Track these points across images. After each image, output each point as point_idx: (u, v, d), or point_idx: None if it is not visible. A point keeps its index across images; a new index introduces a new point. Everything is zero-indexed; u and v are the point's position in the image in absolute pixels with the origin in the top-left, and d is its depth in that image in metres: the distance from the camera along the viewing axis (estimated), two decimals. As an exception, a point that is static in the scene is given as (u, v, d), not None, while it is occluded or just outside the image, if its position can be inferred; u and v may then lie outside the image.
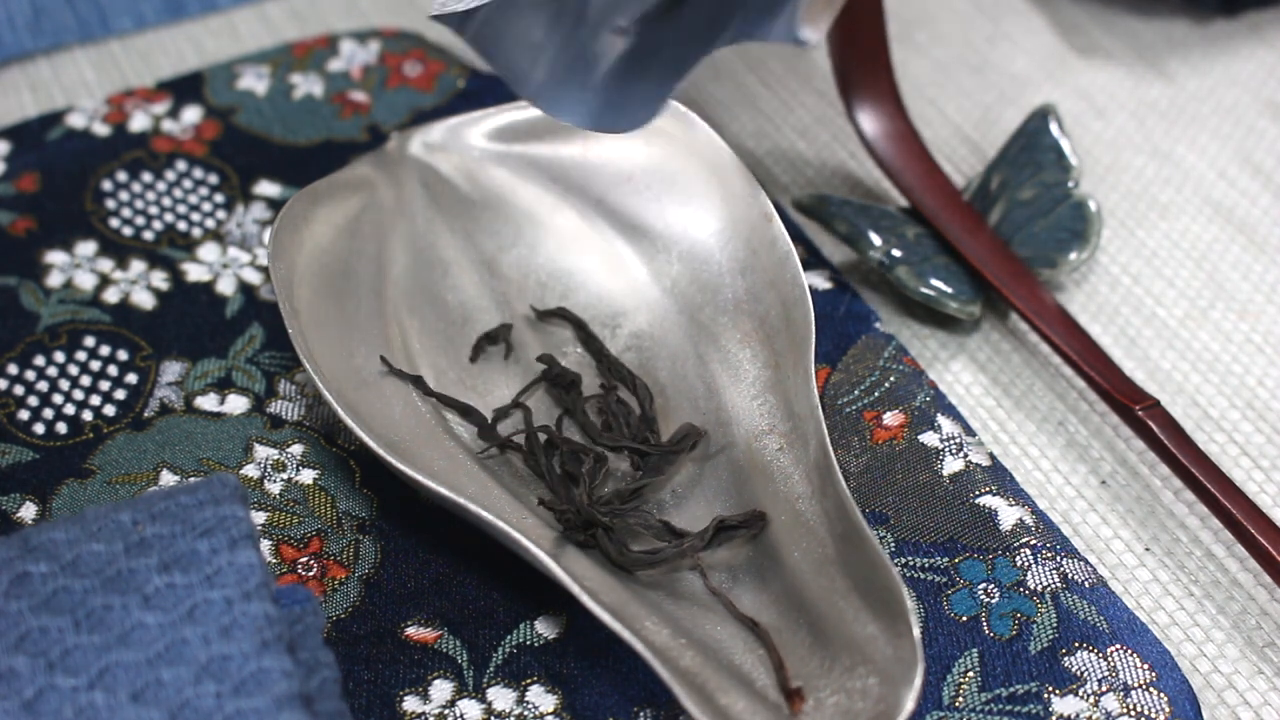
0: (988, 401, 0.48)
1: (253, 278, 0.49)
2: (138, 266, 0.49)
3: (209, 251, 0.50)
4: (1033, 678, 0.40)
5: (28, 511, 0.43)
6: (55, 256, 0.49)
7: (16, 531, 0.36)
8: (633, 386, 0.45)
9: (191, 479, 0.44)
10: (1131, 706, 0.39)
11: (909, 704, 0.36)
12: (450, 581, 0.42)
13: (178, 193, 0.52)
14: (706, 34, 0.39)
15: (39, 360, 0.47)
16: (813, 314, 0.43)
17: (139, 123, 0.53)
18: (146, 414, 0.45)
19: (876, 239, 0.49)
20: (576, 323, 0.46)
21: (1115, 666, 0.40)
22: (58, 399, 0.46)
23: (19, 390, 0.46)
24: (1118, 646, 0.40)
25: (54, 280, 0.49)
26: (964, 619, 0.41)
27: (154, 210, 0.51)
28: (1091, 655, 0.40)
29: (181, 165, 0.52)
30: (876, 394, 0.46)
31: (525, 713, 0.39)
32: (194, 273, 0.49)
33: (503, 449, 0.44)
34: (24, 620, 0.33)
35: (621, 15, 0.38)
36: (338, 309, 0.45)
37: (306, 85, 0.55)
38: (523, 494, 0.43)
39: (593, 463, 0.43)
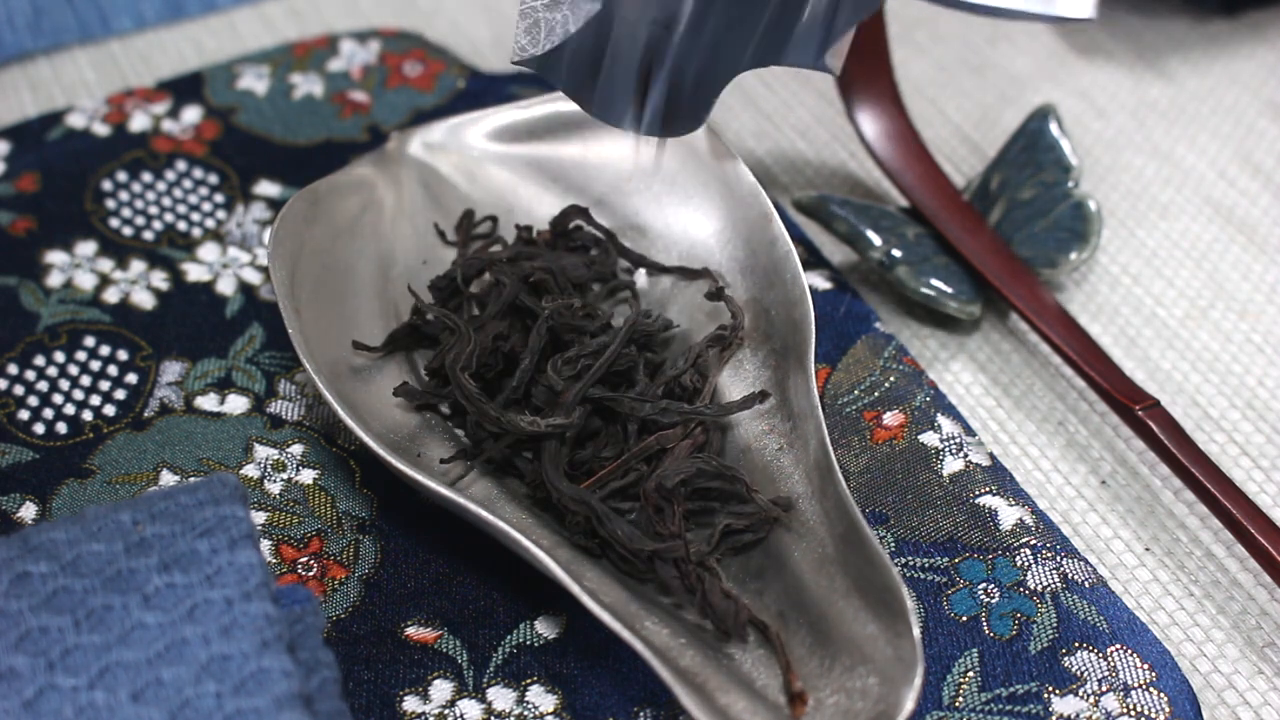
0: (988, 401, 0.48)
1: (253, 278, 0.49)
2: (138, 266, 0.49)
3: (209, 251, 0.50)
4: (1033, 678, 0.40)
5: (28, 511, 0.43)
6: (55, 256, 0.49)
7: (16, 531, 0.36)
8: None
9: (191, 479, 0.44)
10: (1131, 706, 0.39)
11: (909, 704, 0.36)
12: (450, 581, 0.42)
13: (178, 193, 0.51)
14: (732, 56, 0.44)
15: (39, 360, 0.47)
16: (813, 314, 0.43)
17: (139, 123, 0.53)
18: (146, 414, 0.45)
19: (876, 239, 0.49)
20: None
21: (1115, 666, 0.40)
22: (58, 399, 0.46)
23: (19, 390, 0.46)
24: (1118, 646, 0.40)
25: (54, 280, 0.49)
26: (964, 619, 0.41)
27: (154, 210, 0.51)
28: (1091, 655, 0.40)
29: (181, 165, 0.52)
30: (876, 394, 0.46)
31: (525, 713, 0.39)
32: (194, 273, 0.49)
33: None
34: (24, 620, 0.33)
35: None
36: (338, 309, 0.45)
37: (306, 85, 0.55)
38: (523, 494, 0.43)
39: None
